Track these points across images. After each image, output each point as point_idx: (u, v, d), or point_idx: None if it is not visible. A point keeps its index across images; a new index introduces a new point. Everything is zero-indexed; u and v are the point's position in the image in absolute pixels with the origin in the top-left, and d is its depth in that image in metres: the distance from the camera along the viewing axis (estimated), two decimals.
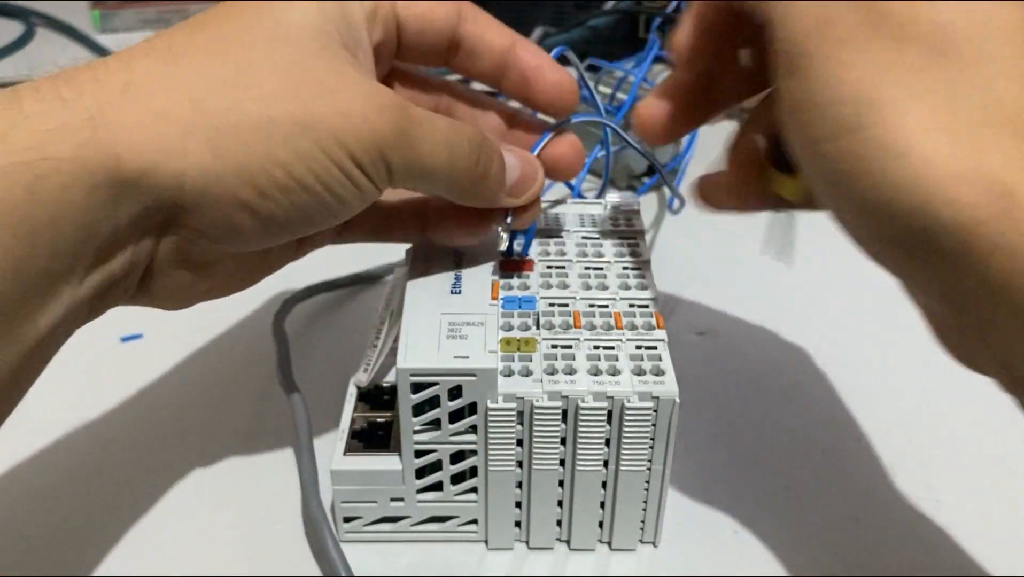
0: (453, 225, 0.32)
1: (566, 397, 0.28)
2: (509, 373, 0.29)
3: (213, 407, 0.38)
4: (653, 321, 0.31)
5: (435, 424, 0.29)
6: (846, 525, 0.33)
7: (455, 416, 0.29)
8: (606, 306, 0.32)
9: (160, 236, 0.26)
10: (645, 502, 0.31)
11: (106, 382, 0.39)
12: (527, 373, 0.29)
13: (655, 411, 0.29)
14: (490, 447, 0.29)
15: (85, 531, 0.32)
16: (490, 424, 0.29)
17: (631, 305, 0.32)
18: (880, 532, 0.33)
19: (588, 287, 0.32)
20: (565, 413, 0.29)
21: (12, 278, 0.22)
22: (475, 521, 0.32)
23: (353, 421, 0.32)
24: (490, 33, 0.31)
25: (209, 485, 0.35)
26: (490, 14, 0.31)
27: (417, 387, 0.28)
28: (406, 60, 0.31)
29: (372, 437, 0.32)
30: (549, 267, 0.33)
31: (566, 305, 0.32)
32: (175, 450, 0.36)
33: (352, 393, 0.33)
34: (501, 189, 0.30)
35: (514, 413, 0.29)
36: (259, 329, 0.41)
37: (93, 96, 0.24)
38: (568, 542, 0.32)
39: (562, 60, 0.33)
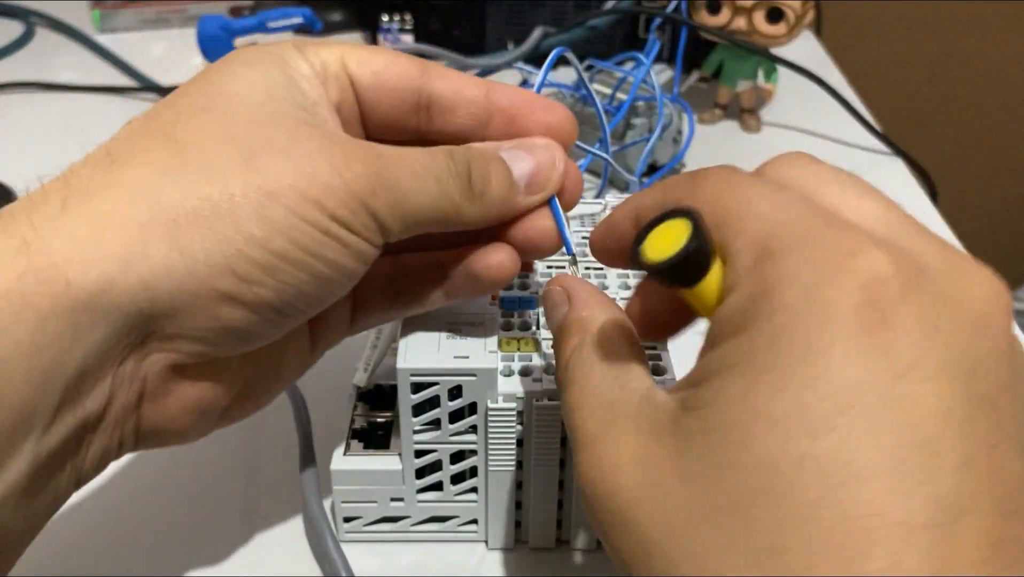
0: (474, 269, 0.28)
1: None
2: (509, 373, 0.29)
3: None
4: None
5: (435, 424, 0.29)
6: None
7: (455, 416, 0.29)
8: None
9: (143, 355, 0.23)
10: None
11: None
12: (527, 373, 0.29)
13: None
14: (490, 447, 0.29)
15: (83, 531, 0.32)
16: (490, 424, 0.29)
17: None
18: None
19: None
20: None
21: None
22: (475, 521, 0.32)
23: (353, 421, 0.32)
24: (462, 84, 0.28)
25: (209, 485, 0.35)
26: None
27: (417, 387, 0.28)
28: (373, 128, 0.28)
29: (372, 437, 0.32)
30: (549, 267, 0.33)
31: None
32: (174, 450, 0.36)
33: (352, 393, 0.33)
34: (514, 192, 0.27)
35: (514, 413, 0.29)
36: None
37: (27, 220, 0.21)
38: (569, 542, 0.32)
39: (561, 60, 0.33)
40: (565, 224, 0.28)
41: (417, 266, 0.29)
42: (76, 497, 0.33)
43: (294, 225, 0.23)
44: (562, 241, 0.28)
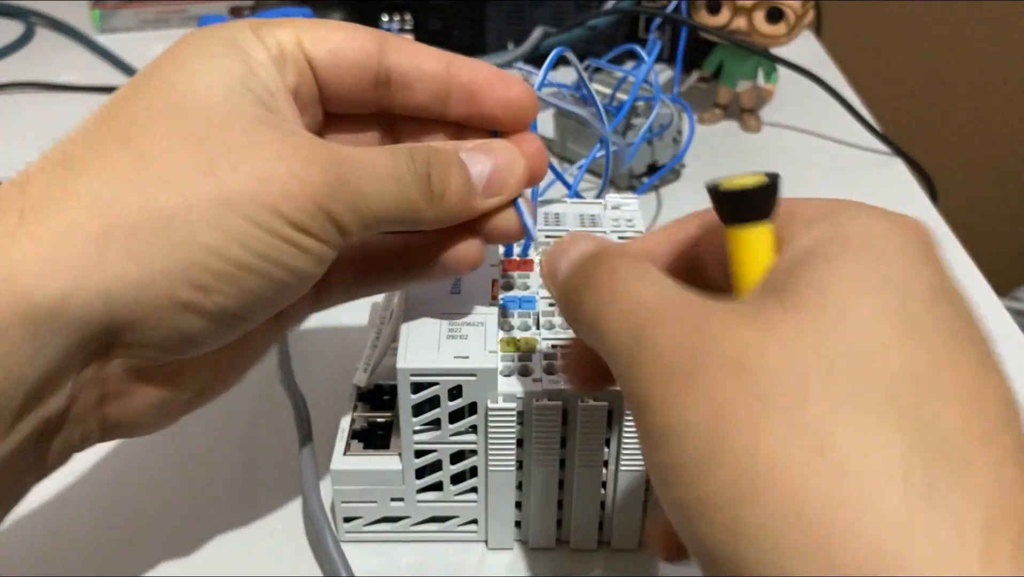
0: (440, 254, 0.28)
1: (566, 397, 0.28)
2: (509, 373, 0.29)
3: (213, 407, 0.38)
4: None
5: (435, 424, 0.29)
6: None
7: (455, 416, 0.29)
8: None
9: (104, 360, 0.23)
10: (646, 503, 0.31)
11: None
12: (527, 373, 0.29)
13: None
14: (490, 447, 0.29)
15: (82, 531, 0.32)
16: (490, 424, 0.29)
17: None
18: None
19: None
20: (565, 413, 0.29)
21: None
22: (475, 521, 0.32)
23: (353, 421, 0.32)
24: (422, 58, 0.27)
25: (209, 485, 0.35)
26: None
27: (417, 387, 0.28)
28: (333, 105, 0.28)
29: (372, 437, 0.32)
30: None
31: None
32: (174, 449, 0.36)
33: (352, 393, 0.33)
34: (473, 195, 0.27)
35: (514, 413, 0.29)
36: None
37: None
38: (568, 542, 0.32)
39: (561, 59, 0.33)
40: (526, 213, 0.28)
41: (382, 249, 0.29)
42: (74, 498, 0.34)
43: (252, 234, 0.23)
44: (525, 232, 0.29)
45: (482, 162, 0.27)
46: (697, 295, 0.20)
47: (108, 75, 0.68)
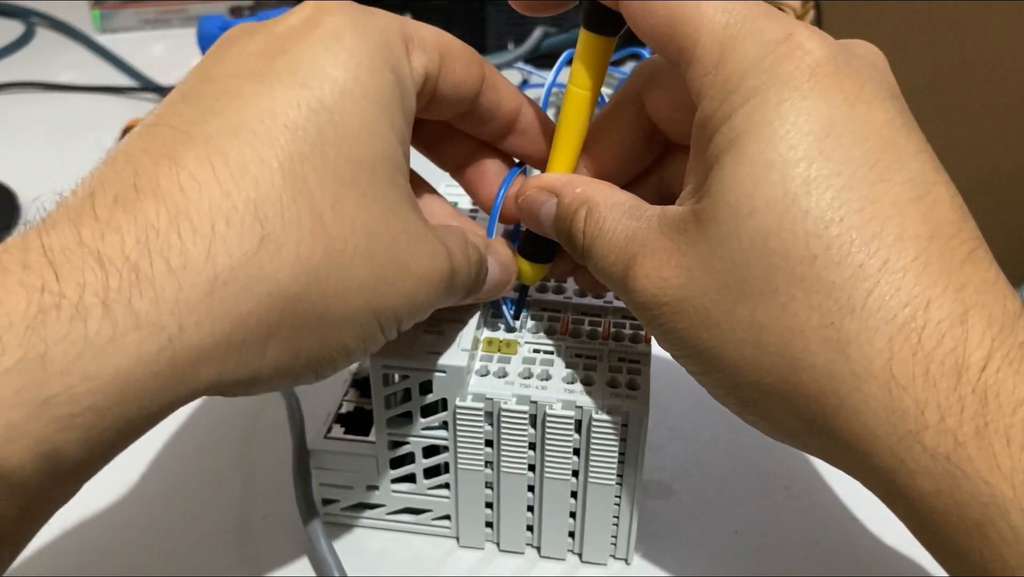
0: None
1: (535, 402, 0.28)
2: (485, 373, 0.29)
3: (209, 411, 0.38)
4: (641, 335, 0.31)
5: (408, 417, 0.29)
6: (846, 525, 0.33)
7: (428, 411, 0.29)
8: (598, 315, 0.31)
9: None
10: (616, 517, 0.30)
11: None
12: (502, 375, 0.29)
13: (624, 425, 0.28)
14: (459, 445, 0.29)
15: (81, 530, 0.32)
16: (458, 422, 0.29)
17: (624, 316, 0.31)
18: (880, 532, 0.33)
19: (583, 293, 0.32)
20: (534, 418, 0.29)
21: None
22: (448, 517, 0.32)
23: (340, 405, 0.33)
24: (504, 98, 0.28)
25: (208, 484, 0.35)
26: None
27: (388, 378, 0.29)
28: (425, 117, 0.28)
29: (356, 423, 0.32)
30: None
31: (557, 311, 0.32)
32: (173, 449, 0.36)
33: (347, 379, 0.34)
34: (479, 297, 0.29)
35: (482, 413, 0.29)
36: None
37: (171, 305, 0.19)
38: (539, 549, 0.32)
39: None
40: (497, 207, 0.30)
41: None
42: (71, 501, 0.33)
43: (375, 338, 0.24)
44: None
45: (493, 274, 0.29)
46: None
47: (108, 75, 0.68)
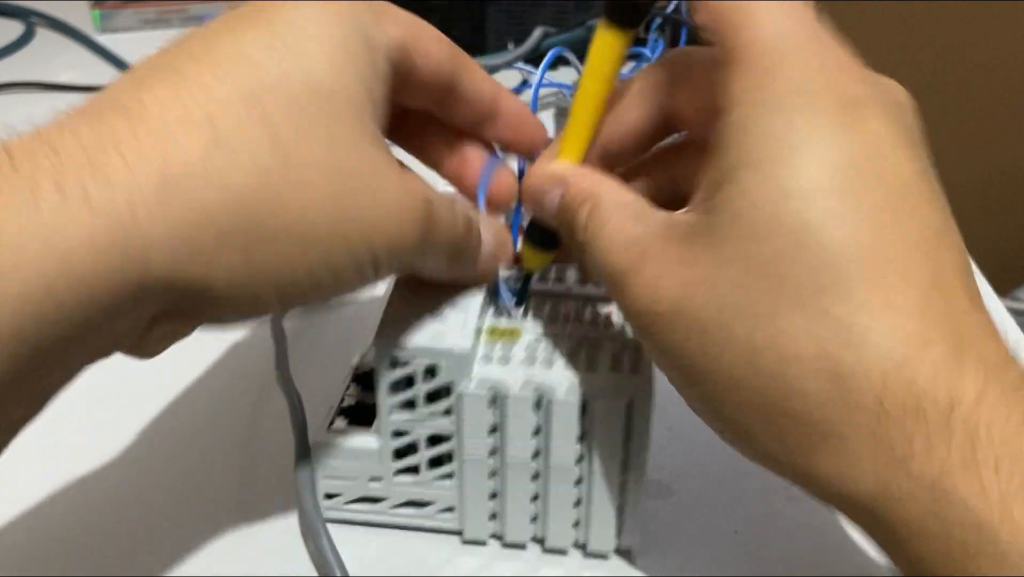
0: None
1: (539, 387, 0.28)
2: (489, 360, 0.29)
3: (211, 406, 0.38)
4: None
5: (411, 404, 0.29)
6: (846, 525, 0.33)
7: (432, 398, 0.29)
8: (600, 302, 0.31)
9: (160, 321, 0.23)
10: (620, 506, 0.30)
11: (103, 381, 0.39)
12: (506, 361, 0.29)
13: (628, 408, 0.28)
14: (463, 432, 0.29)
15: (81, 530, 0.32)
16: (463, 409, 0.29)
17: None
18: None
19: (584, 282, 0.32)
20: (539, 404, 0.28)
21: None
22: (452, 509, 0.32)
23: (343, 399, 0.33)
24: (481, 82, 0.29)
25: (207, 484, 0.34)
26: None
27: (394, 363, 0.29)
28: (404, 102, 0.29)
29: (360, 415, 0.32)
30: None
31: (560, 298, 0.32)
32: (173, 449, 0.36)
33: (348, 373, 0.34)
34: (475, 267, 0.29)
35: (486, 399, 0.29)
36: (257, 327, 0.41)
37: (125, 194, 0.20)
38: (543, 541, 0.31)
39: (561, 60, 0.33)
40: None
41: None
42: (69, 496, 0.33)
43: (345, 265, 0.24)
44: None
45: (488, 241, 0.30)
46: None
47: (108, 75, 0.68)
